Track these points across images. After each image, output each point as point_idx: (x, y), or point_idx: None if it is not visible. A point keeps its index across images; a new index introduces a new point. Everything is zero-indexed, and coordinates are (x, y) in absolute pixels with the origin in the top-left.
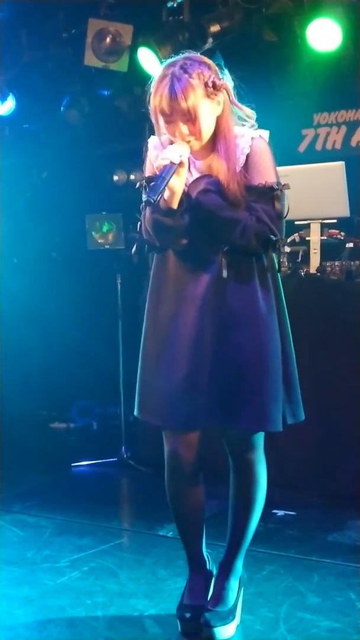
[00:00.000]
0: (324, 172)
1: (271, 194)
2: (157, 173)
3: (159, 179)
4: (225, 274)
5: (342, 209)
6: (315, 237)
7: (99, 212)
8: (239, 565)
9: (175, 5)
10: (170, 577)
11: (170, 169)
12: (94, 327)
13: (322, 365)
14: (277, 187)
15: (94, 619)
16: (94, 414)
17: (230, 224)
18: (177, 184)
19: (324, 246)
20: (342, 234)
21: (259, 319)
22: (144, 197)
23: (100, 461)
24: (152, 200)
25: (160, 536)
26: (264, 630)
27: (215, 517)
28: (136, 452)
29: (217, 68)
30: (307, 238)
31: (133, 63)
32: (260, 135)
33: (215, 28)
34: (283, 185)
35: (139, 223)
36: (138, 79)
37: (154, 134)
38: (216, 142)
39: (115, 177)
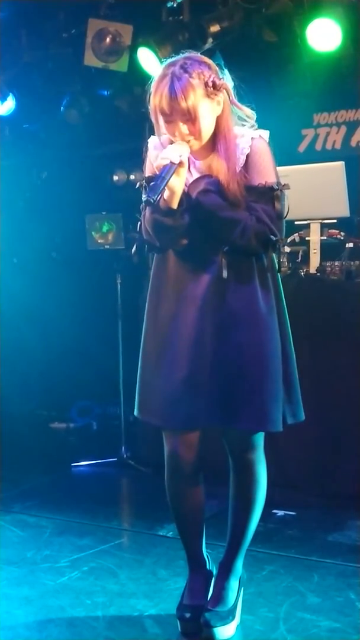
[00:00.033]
0: (324, 172)
1: (271, 194)
2: (157, 173)
3: (159, 178)
4: (225, 274)
5: (342, 209)
6: (315, 237)
7: (98, 212)
8: (239, 565)
9: (175, 5)
10: (170, 577)
11: (170, 169)
12: (94, 327)
13: (322, 365)
14: (277, 187)
15: (94, 619)
16: (94, 414)
17: (230, 224)
18: (177, 184)
19: (323, 246)
20: (342, 234)
21: (259, 319)
22: (144, 197)
23: (100, 461)
24: (152, 200)
25: (160, 536)
26: (264, 630)
27: (215, 517)
28: (136, 452)
29: (217, 68)
30: (307, 238)
31: (133, 63)
32: (260, 135)
33: (215, 28)
34: (283, 186)
35: (139, 223)
36: (138, 79)
37: (154, 134)
38: (216, 142)
39: (115, 177)
